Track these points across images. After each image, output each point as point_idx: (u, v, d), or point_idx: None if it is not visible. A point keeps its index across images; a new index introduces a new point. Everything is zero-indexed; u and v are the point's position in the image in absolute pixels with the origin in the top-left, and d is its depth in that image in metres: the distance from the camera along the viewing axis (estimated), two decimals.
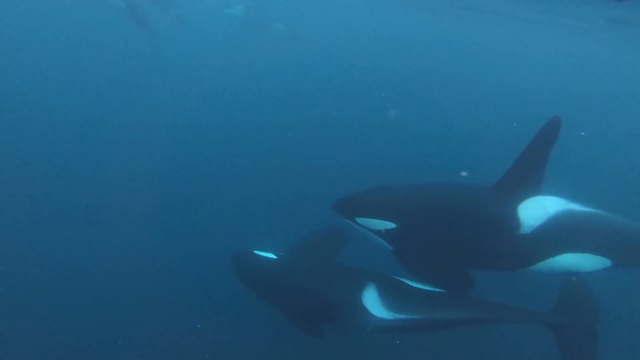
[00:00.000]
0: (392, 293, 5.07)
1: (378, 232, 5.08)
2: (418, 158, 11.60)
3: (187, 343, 6.97)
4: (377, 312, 4.95)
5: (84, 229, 8.77)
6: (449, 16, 25.25)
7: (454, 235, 4.94)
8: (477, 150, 11.96)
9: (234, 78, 18.48)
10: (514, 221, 4.74)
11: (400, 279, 5.28)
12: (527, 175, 4.81)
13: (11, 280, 7.57)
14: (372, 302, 5.00)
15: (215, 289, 7.33)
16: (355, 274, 5.33)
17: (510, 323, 5.20)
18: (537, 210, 4.77)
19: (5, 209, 9.21)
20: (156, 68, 18.38)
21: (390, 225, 5.00)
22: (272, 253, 5.95)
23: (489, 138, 13.23)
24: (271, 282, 5.56)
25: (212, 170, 10.78)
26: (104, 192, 9.89)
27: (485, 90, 20.48)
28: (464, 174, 6.99)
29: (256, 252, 5.88)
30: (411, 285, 5.20)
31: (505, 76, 24.79)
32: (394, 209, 5.03)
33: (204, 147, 12.04)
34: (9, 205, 9.34)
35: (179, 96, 15.44)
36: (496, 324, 5.27)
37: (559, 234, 4.78)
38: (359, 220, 5.14)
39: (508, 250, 4.88)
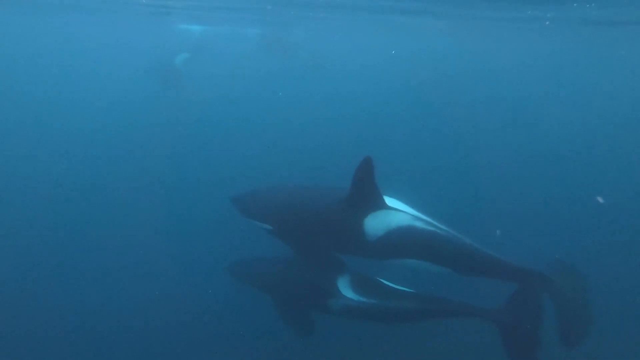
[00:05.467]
0: (362, 282, 6.28)
1: (265, 230, 6.22)
2: None
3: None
4: (346, 293, 6.18)
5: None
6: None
7: (315, 236, 6.04)
8: None
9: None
10: (361, 231, 5.72)
11: (378, 277, 6.39)
12: (366, 194, 5.62)
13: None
14: (345, 285, 6.23)
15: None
16: (340, 265, 6.44)
17: (458, 316, 6.15)
18: (380, 223, 5.69)
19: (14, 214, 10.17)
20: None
21: (268, 227, 6.18)
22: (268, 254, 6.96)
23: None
24: (266, 273, 6.76)
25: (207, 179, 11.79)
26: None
27: None
28: None
29: (254, 254, 7.03)
30: (382, 281, 6.33)
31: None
32: (265, 214, 6.15)
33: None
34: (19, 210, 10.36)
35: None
36: (446, 317, 6.24)
37: (397, 245, 5.75)
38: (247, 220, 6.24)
39: (362, 251, 5.95)
